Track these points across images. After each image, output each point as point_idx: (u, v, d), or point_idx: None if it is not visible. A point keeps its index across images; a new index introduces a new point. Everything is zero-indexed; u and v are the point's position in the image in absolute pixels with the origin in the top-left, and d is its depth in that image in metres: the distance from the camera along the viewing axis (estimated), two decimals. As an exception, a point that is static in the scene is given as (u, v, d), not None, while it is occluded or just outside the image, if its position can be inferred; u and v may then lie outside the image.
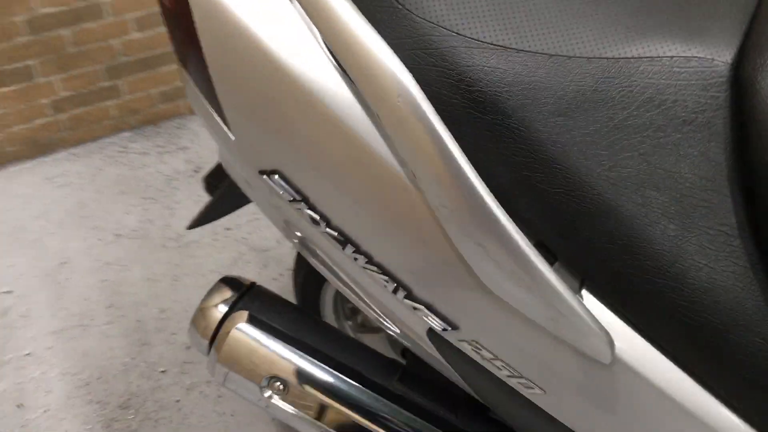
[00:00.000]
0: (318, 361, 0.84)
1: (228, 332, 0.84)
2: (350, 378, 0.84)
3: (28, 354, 1.33)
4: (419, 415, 0.84)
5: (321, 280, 1.02)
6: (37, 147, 1.70)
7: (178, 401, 1.25)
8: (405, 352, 0.94)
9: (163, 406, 1.24)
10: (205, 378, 1.29)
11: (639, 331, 0.51)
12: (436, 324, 0.59)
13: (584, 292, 0.51)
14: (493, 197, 0.46)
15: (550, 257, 0.50)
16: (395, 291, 0.58)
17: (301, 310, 0.89)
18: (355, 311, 1.10)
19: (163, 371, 1.30)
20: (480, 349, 0.59)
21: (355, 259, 0.57)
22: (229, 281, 0.89)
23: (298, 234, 0.66)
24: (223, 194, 0.90)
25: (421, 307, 0.58)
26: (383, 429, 0.83)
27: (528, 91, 0.45)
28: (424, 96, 0.44)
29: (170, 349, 1.34)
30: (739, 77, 0.45)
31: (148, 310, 1.40)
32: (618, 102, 0.45)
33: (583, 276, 0.50)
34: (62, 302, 1.42)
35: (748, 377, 0.50)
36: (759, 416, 0.53)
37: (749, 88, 0.44)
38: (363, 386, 0.84)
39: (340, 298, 1.07)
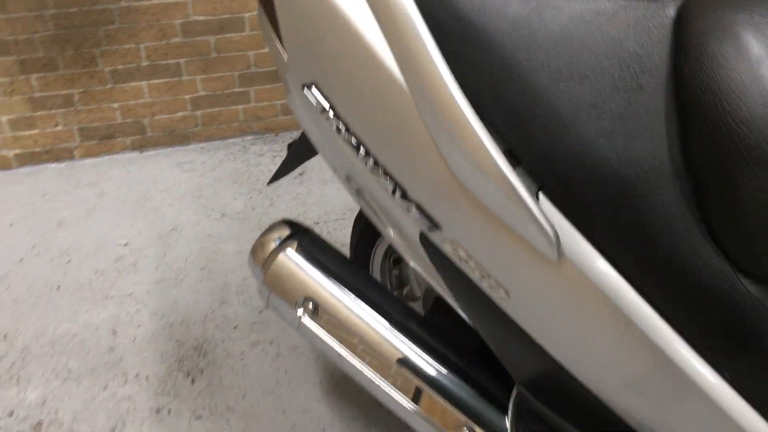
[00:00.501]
0: (349, 291, 0.98)
1: (275, 257, 1.00)
2: (375, 311, 0.97)
3: (129, 294, 1.55)
4: (431, 353, 0.95)
5: (374, 240, 1.16)
6: (173, 137, 1.99)
7: (242, 353, 1.42)
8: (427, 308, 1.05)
9: (229, 355, 1.41)
10: (269, 339, 1.45)
11: (585, 236, 0.61)
12: (425, 224, 0.71)
13: (542, 197, 0.61)
14: (462, 94, 0.58)
15: (515, 161, 0.61)
16: (394, 191, 0.71)
17: (345, 257, 1.03)
18: (399, 275, 1.23)
19: (235, 327, 1.47)
20: (458, 249, 0.71)
21: (365, 163, 0.72)
22: (288, 222, 1.05)
23: (342, 168, 0.81)
24: (295, 149, 1.07)
25: (413, 207, 0.71)
26: (395, 359, 0.95)
27: (501, 16, 0.58)
28: (416, 7, 0.58)
29: (245, 309, 1.51)
30: (678, 19, 0.56)
31: (234, 276, 1.60)
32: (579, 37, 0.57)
33: (541, 182, 0.61)
34: (165, 259, 1.64)
35: (679, 286, 0.59)
36: (688, 327, 0.60)
37: (682, 29, 0.55)
38: (385, 319, 0.96)
39: (387, 260, 1.20)
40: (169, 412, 1.30)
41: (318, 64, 0.70)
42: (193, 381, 1.36)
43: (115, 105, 1.86)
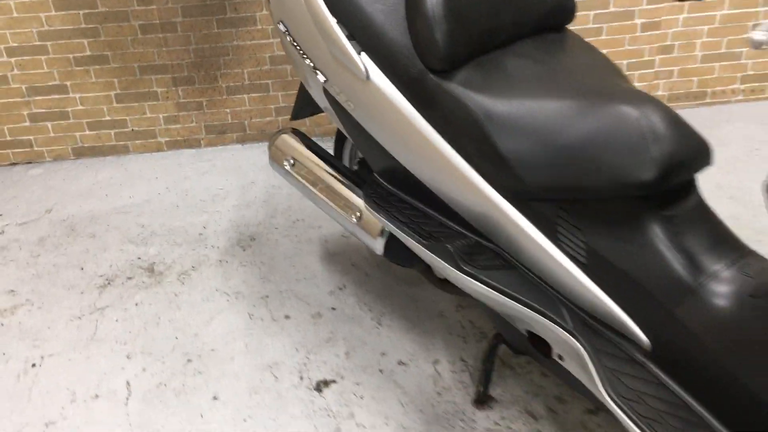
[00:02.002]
0: (317, 156, 1.85)
1: (276, 139, 1.92)
2: (329, 166, 1.83)
3: (217, 210, 2.51)
4: (348, 181, 1.79)
5: (343, 142, 2.03)
6: (264, 135, 2.98)
7: (277, 240, 2.31)
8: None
9: (268, 240, 2.31)
10: (295, 234, 2.33)
11: (382, 71, 1.47)
12: (320, 77, 1.60)
13: (363, 54, 1.47)
14: (327, 11, 1.49)
15: (351, 38, 1.48)
16: (314, 68, 1.61)
17: (317, 144, 1.91)
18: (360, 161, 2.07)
19: (276, 228, 2.38)
20: (339, 94, 1.59)
21: (303, 58, 1.63)
22: (292, 129, 1.97)
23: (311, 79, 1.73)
24: (300, 92, 1.99)
25: (311, 66, 1.61)
26: (335, 190, 1.80)
27: None
28: None
29: (285, 221, 2.42)
30: None
31: (282, 206, 2.51)
32: None
33: (361, 46, 1.47)
34: (243, 196, 2.59)
35: (412, 88, 1.45)
36: (429, 117, 1.45)
37: None
38: (334, 171, 1.82)
39: (352, 154, 2.05)
40: (227, 261, 2.21)
41: (282, 9, 1.63)
42: (244, 249, 2.27)
43: (227, 110, 2.90)
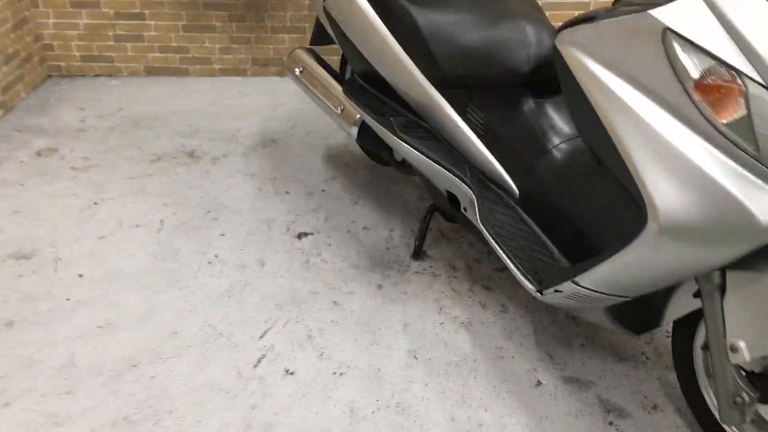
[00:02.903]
0: (319, 66, 2.43)
1: (291, 53, 2.50)
2: (331, 75, 2.40)
3: (251, 120, 3.11)
4: (336, 83, 2.36)
5: (345, 64, 2.59)
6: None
7: (292, 144, 2.90)
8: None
9: (286, 144, 2.90)
10: (310, 141, 2.92)
11: None
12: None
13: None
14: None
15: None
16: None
17: (323, 59, 2.48)
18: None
19: (292, 135, 2.96)
20: (332, 10, 2.15)
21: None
22: (305, 47, 2.54)
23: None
24: (315, 25, 2.56)
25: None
26: (335, 92, 2.37)
27: None
28: None
29: (302, 131, 3.00)
30: None
31: (303, 120, 3.10)
32: None
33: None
34: (273, 111, 3.19)
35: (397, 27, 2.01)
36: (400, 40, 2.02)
37: None
38: (333, 78, 2.39)
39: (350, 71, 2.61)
40: (250, 154, 2.81)
41: None
42: (264, 147, 2.86)
43: (270, 47, 3.50)
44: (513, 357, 1.87)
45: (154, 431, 1.64)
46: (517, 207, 1.81)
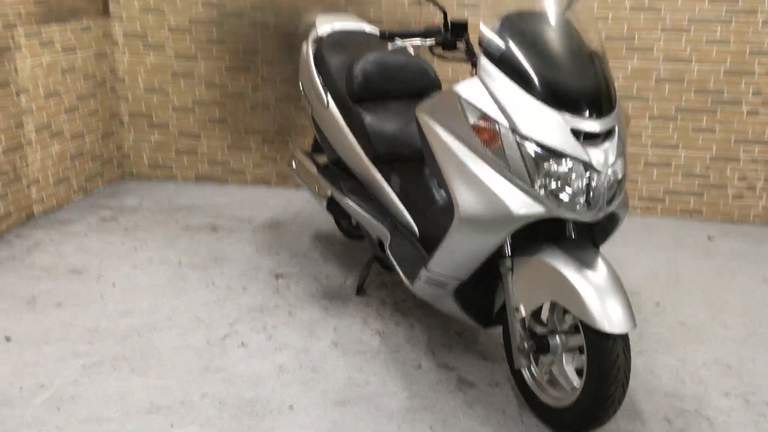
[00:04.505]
0: (310, 161, 3.36)
1: (293, 151, 3.46)
2: (311, 164, 3.33)
3: (258, 219, 4.02)
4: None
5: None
6: (313, 186, 4.52)
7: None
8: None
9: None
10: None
11: (333, 100, 2.98)
12: (308, 107, 3.16)
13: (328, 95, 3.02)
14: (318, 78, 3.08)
15: (326, 90, 3.03)
16: (305, 96, 3.18)
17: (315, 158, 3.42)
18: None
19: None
20: (314, 114, 3.12)
21: (303, 94, 3.21)
22: (302, 149, 3.50)
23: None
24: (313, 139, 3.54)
25: (307, 100, 3.17)
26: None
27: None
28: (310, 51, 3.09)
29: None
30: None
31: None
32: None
33: (328, 92, 3.02)
34: (285, 215, 4.10)
35: (346, 114, 2.99)
36: (354, 132, 2.98)
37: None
38: (314, 166, 3.31)
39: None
40: (258, 232, 3.69)
41: (301, 75, 3.23)
42: (269, 228, 3.74)
43: (292, 165, 4.49)
44: (407, 352, 2.55)
45: (140, 365, 2.38)
46: (415, 241, 2.58)
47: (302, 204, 4.19)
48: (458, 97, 2.03)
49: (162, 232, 3.63)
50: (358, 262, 3.31)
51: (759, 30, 3.82)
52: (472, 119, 2.00)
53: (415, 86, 2.94)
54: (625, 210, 2.15)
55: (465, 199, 2.03)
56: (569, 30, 2.04)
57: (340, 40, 3.12)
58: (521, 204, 1.95)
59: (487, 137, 1.98)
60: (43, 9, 3.74)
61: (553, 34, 2.02)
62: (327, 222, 3.85)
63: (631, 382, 2.28)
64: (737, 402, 2.31)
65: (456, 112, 2.04)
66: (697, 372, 2.48)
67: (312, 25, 3.25)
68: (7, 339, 2.53)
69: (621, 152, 2.00)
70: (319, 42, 3.13)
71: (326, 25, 3.23)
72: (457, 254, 2.13)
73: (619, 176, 2.00)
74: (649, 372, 2.47)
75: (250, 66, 4.33)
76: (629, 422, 2.18)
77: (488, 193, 1.98)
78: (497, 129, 1.96)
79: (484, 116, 1.98)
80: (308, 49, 3.14)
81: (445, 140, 2.09)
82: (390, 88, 2.88)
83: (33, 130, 3.73)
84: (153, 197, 4.22)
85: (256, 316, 2.76)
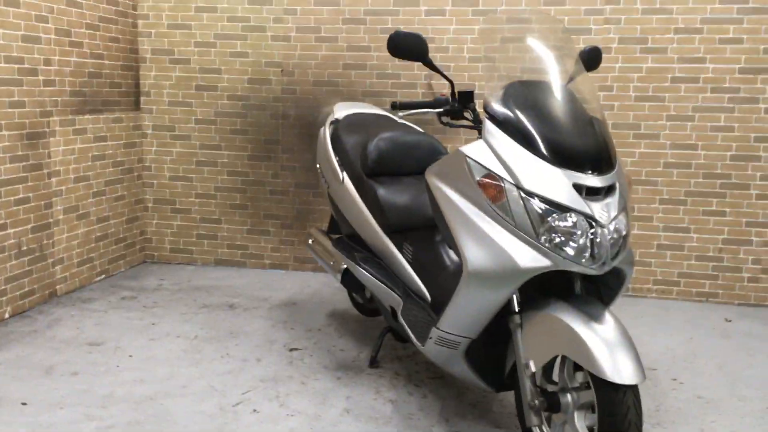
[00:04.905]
0: (323, 237, 3.46)
1: (309, 229, 3.57)
2: (328, 241, 3.43)
3: (275, 298, 4.08)
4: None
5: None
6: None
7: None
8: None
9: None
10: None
11: (349, 176, 3.11)
12: (325, 183, 3.30)
13: (343, 172, 3.16)
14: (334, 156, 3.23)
15: (342, 168, 3.17)
16: (322, 176, 3.32)
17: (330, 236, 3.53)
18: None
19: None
20: (330, 189, 3.25)
21: (321, 174, 3.35)
22: (318, 228, 3.61)
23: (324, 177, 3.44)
24: (330, 219, 3.66)
25: (324, 179, 3.30)
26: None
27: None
28: (327, 132, 3.25)
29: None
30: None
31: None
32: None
33: (344, 170, 3.16)
34: (301, 295, 4.16)
35: (358, 186, 3.11)
36: (367, 203, 3.11)
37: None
38: (329, 242, 3.42)
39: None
40: (275, 310, 3.74)
41: (318, 157, 3.38)
42: (286, 306, 3.79)
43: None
44: (419, 419, 2.53)
45: (153, 428, 2.39)
46: (428, 306, 2.62)
47: (319, 285, 4.25)
48: (464, 157, 2.14)
49: (180, 309, 3.69)
50: (373, 338, 3.33)
51: (762, 116, 3.95)
52: (478, 177, 2.09)
53: (426, 163, 3.06)
54: (631, 268, 2.19)
55: (473, 254, 2.09)
56: (570, 97, 2.17)
57: (356, 121, 3.28)
58: (528, 257, 2.00)
59: (493, 194, 2.06)
60: (79, 99, 3.98)
61: (554, 100, 2.14)
62: (343, 301, 3.89)
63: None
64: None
65: (462, 171, 2.14)
66: (716, 442, 2.43)
67: (330, 113, 3.43)
68: (23, 404, 2.55)
69: (623, 208, 2.07)
70: (336, 124, 3.30)
71: (343, 110, 3.41)
72: (466, 310, 2.17)
73: (623, 232, 2.05)
74: (666, 441, 2.42)
75: (271, 155, 4.52)
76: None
77: (495, 247, 2.04)
78: (502, 185, 2.04)
79: (489, 174, 2.07)
80: (326, 131, 3.30)
81: (452, 199, 2.17)
82: (403, 164, 3.01)
83: (61, 211, 3.89)
84: (173, 278, 4.30)
85: (270, 386, 2.77)
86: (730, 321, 3.78)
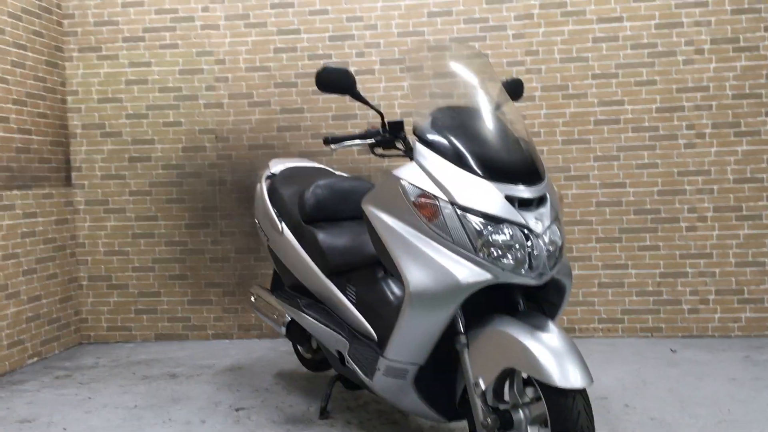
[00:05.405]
0: (265, 293, 3.40)
1: (251, 286, 3.50)
2: (269, 296, 3.36)
3: (219, 365, 3.95)
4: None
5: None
6: (273, 334, 4.47)
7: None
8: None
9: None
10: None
11: (287, 227, 3.09)
12: (264, 237, 3.25)
13: (282, 223, 3.13)
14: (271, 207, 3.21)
15: (281, 219, 3.14)
16: (261, 231, 3.29)
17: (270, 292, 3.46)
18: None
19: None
20: (269, 242, 3.21)
21: (259, 228, 3.32)
22: (260, 284, 3.55)
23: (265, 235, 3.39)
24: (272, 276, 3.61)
25: (263, 232, 3.27)
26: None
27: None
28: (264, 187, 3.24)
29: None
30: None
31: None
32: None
33: (282, 219, 3.13)
34: (248, 360, 4.03)
35: (299, 234, 3.09)
36: (309, 252, 3.07)
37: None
38: (272, 297, 3.34)
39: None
40: (220, 375, 3.61)
41: (256, 212, 3.35)
42: (231, 371, 3.66)
43: (253, 315, 4.48)
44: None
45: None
46: (374, 345, 2.57)
47: (264, 351, 4.14)
48: (398, 180, 2.16)
49: (118, 382, 3.52)
50: (322, 392, 3.23)
51: (682, 152, 4.14)
52: (413, 198, 2.11)
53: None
54: (569, 279, 2.21)
55: (414, 276, 2.08)
56: (497, 120, 2.23)
57: (292, 174, 3.30)
58: (468, 273, 2.01)
59: (429, 213, 2.08)
60: (7, 175, 3.89)
61: (481, 122, 2.20)
62: (290, 362, 3.79)
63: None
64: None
65: (397, 194, 2.16)
66: (672, 456, 2.41)
67: (266, 167, 3.44)
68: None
69: (555, 217, 2.11)
70: (273, 177, 3.30)
71: (279, 165, 3.43)
72: (412, 334, 2.14)
73: (558, 242, 2.08)
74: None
75: (210, 221, 4.47)
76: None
77: (435, 265, 2.04)
78: (437, 203, 2.06)
79: (424, 194, 2.09)
80: (262, 186, 3.29)
81: (389, 224, 2.18)
82: (340, 209, 3.01)
83: (-11, 290, 3.72)
84: (110, 356, 4.12)
85: (215, 444, 2.64)
86: (675, 351, 3.83)
